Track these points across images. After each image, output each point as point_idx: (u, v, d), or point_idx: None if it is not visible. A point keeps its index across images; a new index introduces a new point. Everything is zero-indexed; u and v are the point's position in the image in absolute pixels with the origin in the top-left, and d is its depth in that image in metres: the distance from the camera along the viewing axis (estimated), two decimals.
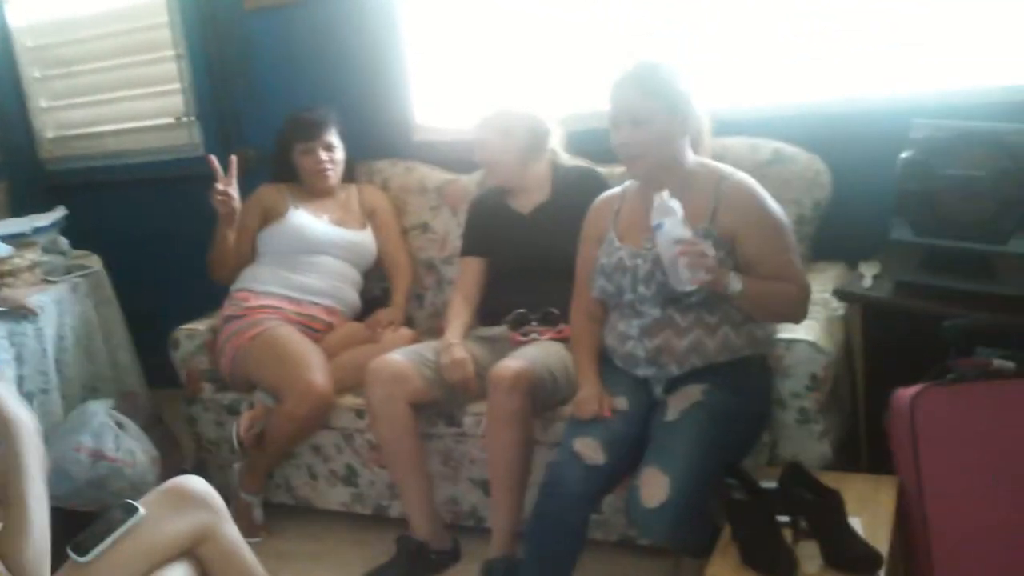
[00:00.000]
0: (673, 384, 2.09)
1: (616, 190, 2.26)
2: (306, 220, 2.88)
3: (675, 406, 2.01)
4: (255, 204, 2.92)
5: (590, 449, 2.00)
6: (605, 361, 2.22)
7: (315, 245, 2.86)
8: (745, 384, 2.08)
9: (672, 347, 2.06)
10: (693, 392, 2.02)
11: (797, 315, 2.09)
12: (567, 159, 2.70)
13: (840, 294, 2.34)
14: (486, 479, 2.47)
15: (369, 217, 2.99)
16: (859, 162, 2.50)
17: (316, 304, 2.84)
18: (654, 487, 1.87)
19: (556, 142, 2.67)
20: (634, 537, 2.34)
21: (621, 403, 2.10)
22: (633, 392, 2.12)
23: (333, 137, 2.91)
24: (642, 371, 2.12)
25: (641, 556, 2.37)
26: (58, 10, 3.63)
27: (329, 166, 2.90)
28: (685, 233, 1.88)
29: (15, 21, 3.69)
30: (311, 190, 2.94)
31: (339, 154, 2.93)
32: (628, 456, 2.04)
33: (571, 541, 2.02)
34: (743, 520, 1.85)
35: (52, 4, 3.64)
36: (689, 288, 1.90)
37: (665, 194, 1.92)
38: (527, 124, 2.60)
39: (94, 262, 3.11)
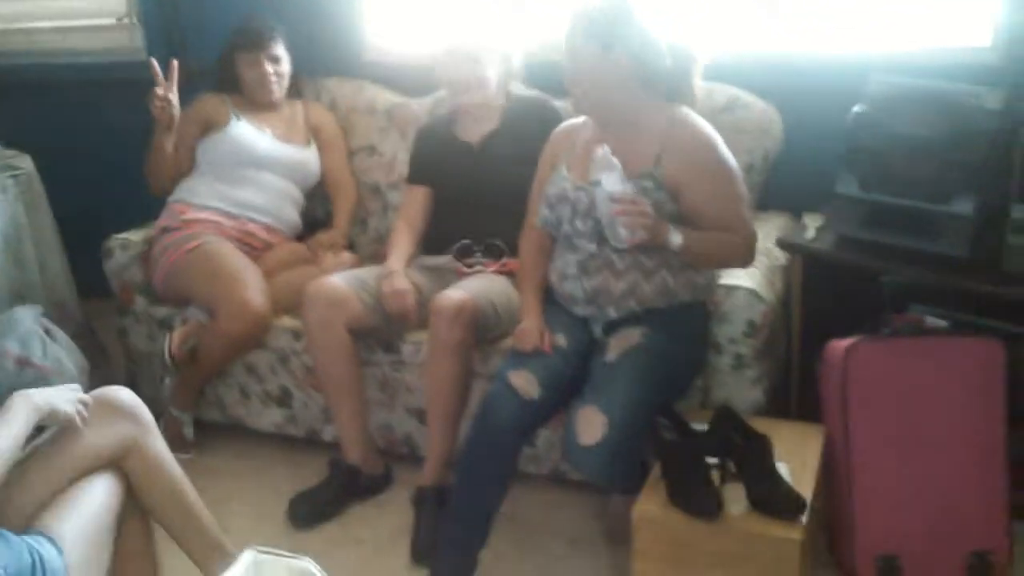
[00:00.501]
0: (613, 326, 2.10)
1: (578, 120, 2.23)
2: (248, 132, 2.80)
3: (615, 347, 2.02)
4: (195, 113, 2.83)
5: (526, 382, 2.01)
6: (548, 298, 2.21)
7: (256, 159, 2.78)
8: (683, 329, 2.10)
9: (609, 289, 2.06)
10: (633, 334, 2.03)
11: (743, 263, 2.11)
12: (520, 89, 2.65)
13: (782, 244, 2.37)
14: (421, 408, 2.48)
15: (314, 135, 2.92)
16: (811, 113, 2.49)
17: (255, 221, 2.78)
18: (591, 425, 1.88)
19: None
20: (566, 472, 2.37)
21: (560, 340, 2.11)
22: (572, 330, 2.13)
23: (279, 49, 2.81)
24: (581, 310, 2.13)
25: (572, 491, 2.41)
26: None
27: (274, 78, 2.81)
28: (624, 190, 1.88)
29: None
30: (254, 103, 2.85)
31: (285, 67, 2.84)
32: (563, 393, 2.06)
33: (501, 471, 2.04)
34: (672, 460, 1.89)
35: None
36: (625, 246, 1.93)
37: (605, 149, 1.91)
38: (501, 52, 2.54)
39: (25, 163, 2.98)
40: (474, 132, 2.59)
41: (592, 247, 2.06)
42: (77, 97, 3.45)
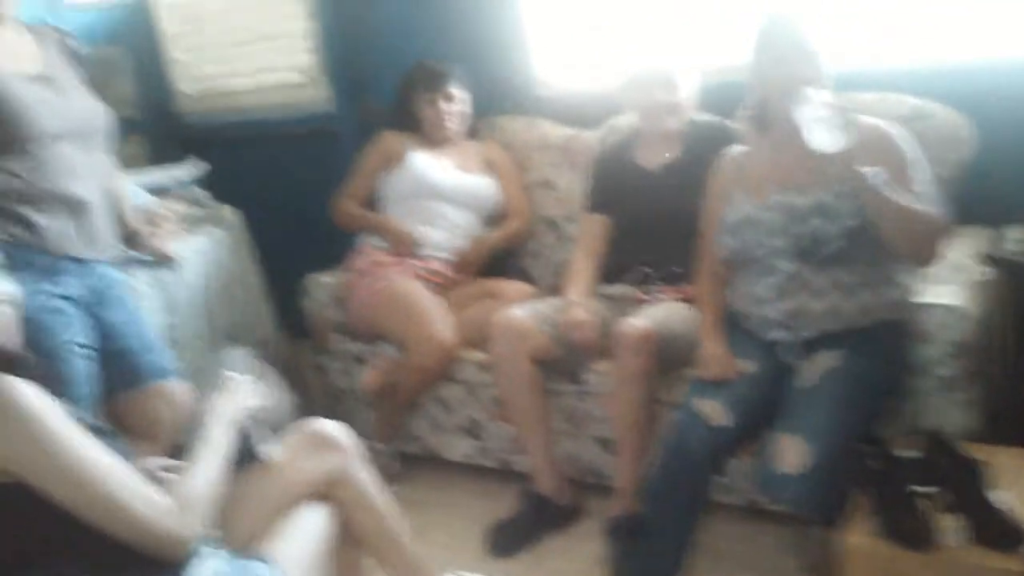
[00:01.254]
0: (805, 349, 2.04)
1: (738, 148, 2.21)
2: (427, 163, 2.91)
3: (811, 371, 1.97)
4: (377, 149, 2.97)
5: (714, 410, 1.98)
6: (731, 325, 2.18)
7: (436, 190, 2.88)
8: (882, 350, 2.02)
9: (808, 310, 2.01)
10: (829, 358, 1.97)
11: (936, 245, 1.93)
12: (698, 113, 2.63)
13: (986, 258, 2.23)
14: (608, 437, 2.49)
15: (489, 167, 3.00)
16: (1011, 123, 2.36)
17: (438, 258, 2.88)
18: (792, 454, 1.83)
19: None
20: (761, 503, 2.31)
21: (748, 366, 2.07)
22: (760, 356, 2.09)
23: (456, 89, 2.92)
24: (773, 335, 2.08)
25: (767, 522, 2.35)
26: None
27: (451, 116, 2.92)
28: (825, 103, 1.82)
29: None
30: (432, 140, 2.96)
31: (461, 105, 2.95)
32: (752, 420, 2.02)
33: (692, 501, 2.01)
34: (880, 488, 1.81)
35: None
36: (829, 150, 1.80)
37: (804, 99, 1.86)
38: (692, 77, 2.54)
39: (230, 214, 3.22)
40: (655, 158, 2.58)
41: (791, 266, 2.01)
42: (274, 149, 3.70)
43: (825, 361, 1.97)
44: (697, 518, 2.02)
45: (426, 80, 2.91)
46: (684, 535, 2.02)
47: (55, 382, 1.91)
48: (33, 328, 1.91)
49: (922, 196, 1.93)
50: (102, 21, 3.67)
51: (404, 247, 2.84)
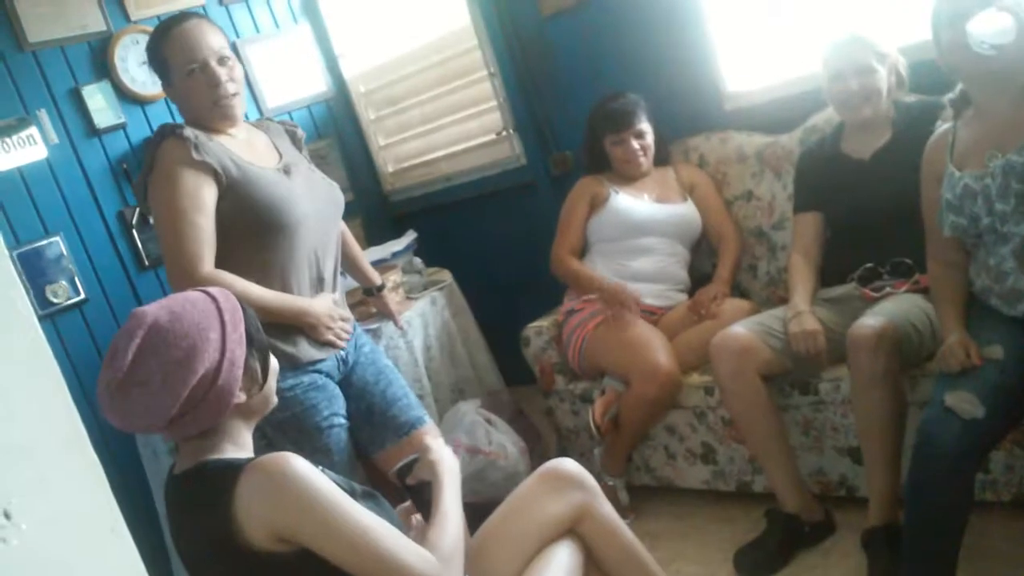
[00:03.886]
0: None
1: (946, 125, 2.09)
2: (629, 202, 2.93)
3: None
4: (580, 196, 3.01)
5: (965, 402, 1.83)
6: (974, 307, 2.03)
7: (641, 226, 2.90)
8: None
9: None
10: None
11: None
12: (907, 96, 2.48)
13: None
14: (852, 446, 2.37)
15: (690, 192, 2.99)
16: None
17: (647, 296, 2.86)
18: None
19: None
20: None
21: (996, 351, 1.90)
22: (1009, 337, 1.92)
23: (643, 124, 2.93)
24: (1023, 308, 1.91)
25: None
26: (382, 55, 4.01)
27: (641, 153, 2.93)
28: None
29: (349, 72, 4.12)
30: (627, 177, 2.98)
31: (649, 139, 2.95)
32: (1010, 407, 1.86)
33: (955, 504, 1.86)
34: None
35: (377, 50, 4.02)
36: (1007, 39, 1.76)
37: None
38: (888, 61, 2.41)
39: (446, 276, 3.39)
40: (864, 147, 2.47)
41: (1023, 228, 1.87)
42: (475, 209, 3.86)
43: None
44: (963, 520, 1.87)
45: (611, 121, 2.92)
46: (951, 541, 1.87)
47: (321, 454, 2.12)
48: (299, 406, 2.12)
49: None
50: (307, 117, 4.01)
51: (618, 301, 2.81)
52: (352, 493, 1.46)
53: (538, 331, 3.02)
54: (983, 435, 1.85)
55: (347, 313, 2.28)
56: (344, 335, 2.22)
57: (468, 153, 3.88)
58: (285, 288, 2.13)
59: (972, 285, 2.05)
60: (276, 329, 2.06)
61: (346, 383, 2.25)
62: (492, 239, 3.80)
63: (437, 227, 3.87)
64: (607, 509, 1.87)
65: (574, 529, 1.83)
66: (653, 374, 2.61)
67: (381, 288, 2.73)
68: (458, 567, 1.49)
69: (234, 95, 2.13)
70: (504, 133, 3.69)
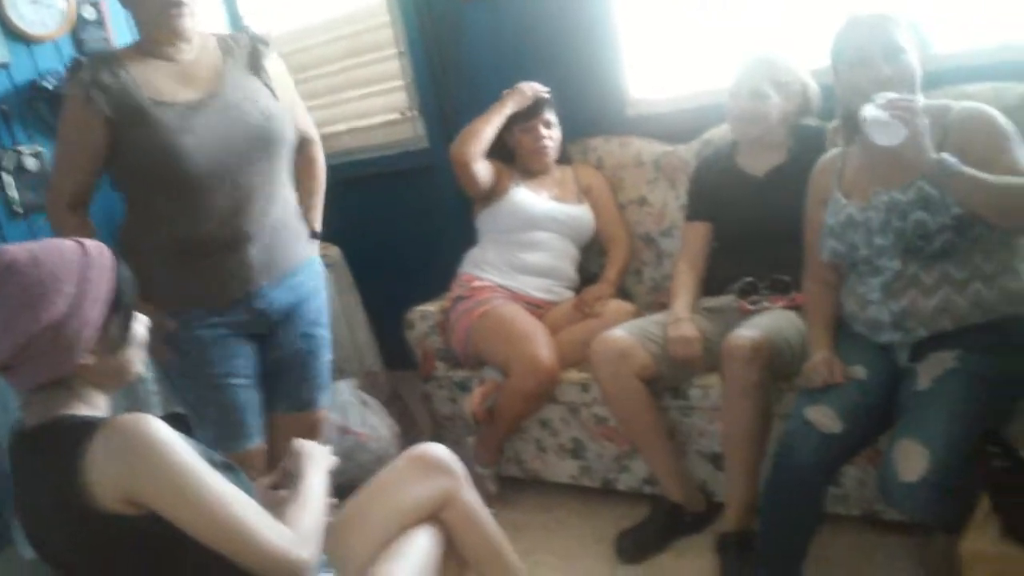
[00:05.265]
0: (920, 350, 1.96)
1: (834, 151, 2.17)
2: (528, 196, 2.94)
3: (927, 374, 1.89)
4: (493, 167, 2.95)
5: (825, 417, 1.92)
6: (843, 329, 2.12)
7: (537, 221, 2.91)
8: (1003, 347, 1.91)
9: (919, 309, 1.93)
10: (945, 358, 1.89)
11: None
12: (810, 120, 2.57)
13: None
14: (715, 452, 2.44)
15: (586, 194, 3.02)
16: None
17: (535, 290, 2.89)
18: (912, 460, 1.75)
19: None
20: (878, 512, 2.22)
21: (858, 372, 2.00)
22: (873, 360, 2.01)
23: (551, 114, 2.95)
24: (886, 336, 2.01)
25: (886, 532, 2.26)
26: (291, 21, 3.90)
27: (549, 143, 2.95)
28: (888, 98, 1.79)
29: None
30: (528, 169, 2.99)
31: (557, 132, 2.98)
32: (867, 426, 1.95)
33: (807, 513, 1.95)
34: (1006, 490, 1.71)
35: (286, 16, 3.91)
36: (894, 142, 1.77)
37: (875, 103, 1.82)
38: (800, 80, 2.50)
39: (334, 253, 3.33)
40: (759, 164, 2.55)
41: (896, 264, 1.95)
42: (372, 188, 3.80)
43: (941, 362, 1.88)
44: (812, 530, 1.96)
45: (523, 109, 2.92)
46: (799, 549, 1.96)
47: (215, 407, 2.11)
48: (196, 358, 2.10)
49: (1017, 162, 1.85)
50: None
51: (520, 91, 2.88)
52: (212, 463, 1.41)
53: (423, 315, 3.00)
54: (838, 449, 1.93)
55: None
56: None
57: (370, 130, 3.82)
58: (196, 248, 2.05)
59: (842, 308, 2.14)
60: (178, 274, 2.04)
61: (272, 337, 2.23)
62: (386, 219, 3.75)
63: (331, 202, 3.78)
64: (472, 497, 1.87)
65: (437, 515, 1.83)
66: (533, 368, 2.63)
67: (315, 236, 2.51)
68: (315, 545, 1.46)
69: (183, 4, 2.01)
70: (408, 114, 3.64)
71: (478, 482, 2.73)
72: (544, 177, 3.00)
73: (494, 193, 2.97)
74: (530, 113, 2.93)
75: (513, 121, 2.95)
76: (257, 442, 2.23)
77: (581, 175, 3.05)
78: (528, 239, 2.92)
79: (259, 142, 2.08)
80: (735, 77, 2.52)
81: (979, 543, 1.69)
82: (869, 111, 1.80)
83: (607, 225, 3.00)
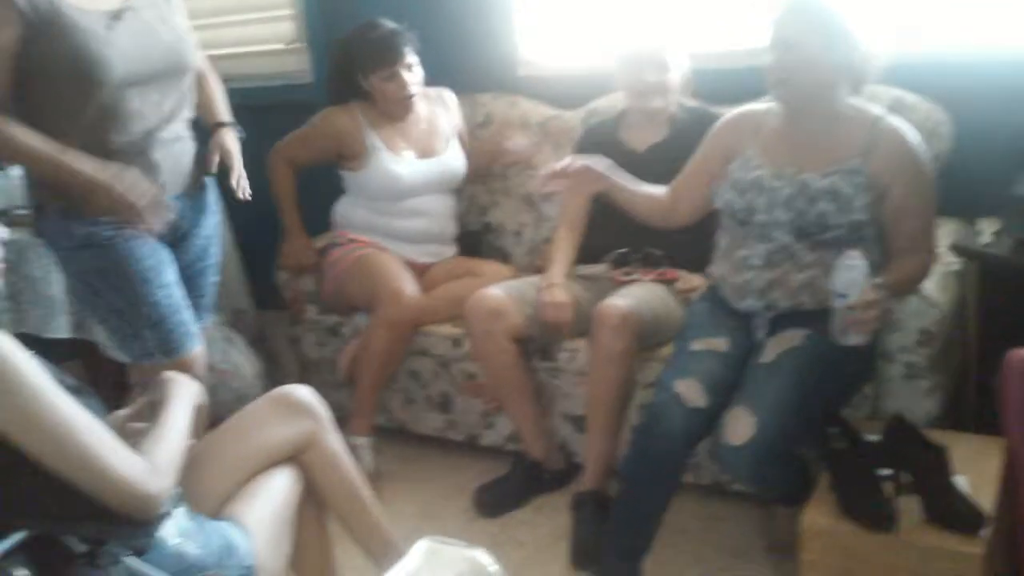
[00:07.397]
0: (774, 325, 2.05)
1: (758, 106, 2.17)
2: (392, 164, 2.78)
3: (773, 348, 1.99)
4: (326, 132, 2.85)
5: (692, 391, 1.99)
6: (709, 297, 2.20)
7: (408, 190, 2.80)
8: None
9: (787, 280, 2.02)
10: (793, 336, 1.99)
11: (920, 283, 2.05)
12: (687, 100, 2.63)
13: (957, 249, 2.27)
14: (578, 414, 2.51)
15: (450, 131, 2.93)
16: (984, 115, 2.39)
17: (415, 255, 2.85)
18: (740, 426, 1.86)
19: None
20: (727, 482, 2.34)
21: (722, 344, 2.07)
22: (735, 334, 2.09)
23: (412, 55, 2.75)
24: (747, 303, 2.08)
25: (733, 502, 2.39)
26: None
27: (416, 90, 2.77)
28: (864, 297, 1.81)
29: None
30: (391, 115, 2.81)
31: (419, 71, 2.77)
32: (726, 399, 2.02)
33: (667, 482, 2.03)
34: (843, 470, 1.84)
35: None
36: (848, 343, 1.85)
37: (855, 255, 1.84)
38: (684, 63, 2.55)
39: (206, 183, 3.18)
40: (642, 139, 2.59)
41: (787, 239, 2.01)
42: (251, 119, 3.64)
43: (789, 340, 1.98)
44: (669, 498, 2.03)
45: (380, 55, 2.71)
46: (657, 514, 2.03)
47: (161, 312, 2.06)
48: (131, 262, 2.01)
49: (923, 230, 2.00)
50: None
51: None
52: (63, 386, 1.35)
53: None
54: (702, 422, 2.00)
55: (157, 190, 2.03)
56: (155, 219, 2.00)
57: (253, 58, 3.66)
58: (107, 159, 1.95)
59: (710, 273, 2.21)
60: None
61: (181, 255, 2.18)
62: (264, 153, 3.62)
63: (205, 131, 3.64)
64: (335, 440, 1.86)
65: (297, 457, 1.81)
66: (395, 298, 2.60)
67: (221, 125, 2.40)
68: (169, 479, 1.42)
69: None
70: (295, 45, 3.52)
71: (355, 454, 2.67)
72: (405, 128, 2.84)
73: (352, 154, 2.81)
74: (389, 58, 2.71)
75: (371, 68, 2.75)
76: (199, 344, 2.17)
77: (437, 112, 2.91)
78: (401, 208, 2.82)
79: (171, 65, 2.07)
80: (636, 47, 2.54)
81: (817, 518, 1.82)
82: (840, 313, 1.83)
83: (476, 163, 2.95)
